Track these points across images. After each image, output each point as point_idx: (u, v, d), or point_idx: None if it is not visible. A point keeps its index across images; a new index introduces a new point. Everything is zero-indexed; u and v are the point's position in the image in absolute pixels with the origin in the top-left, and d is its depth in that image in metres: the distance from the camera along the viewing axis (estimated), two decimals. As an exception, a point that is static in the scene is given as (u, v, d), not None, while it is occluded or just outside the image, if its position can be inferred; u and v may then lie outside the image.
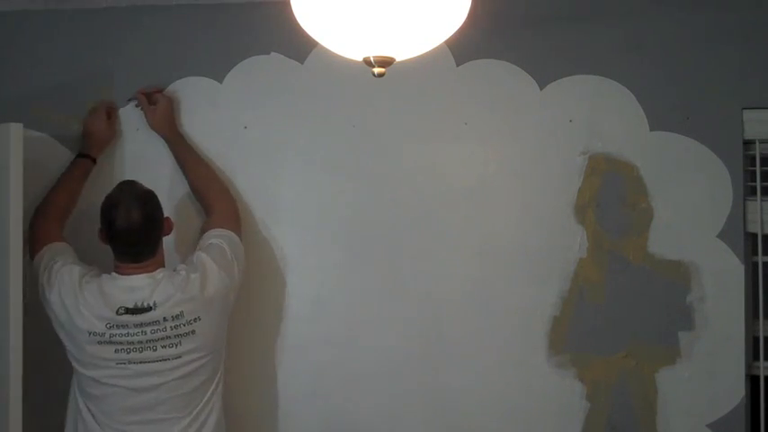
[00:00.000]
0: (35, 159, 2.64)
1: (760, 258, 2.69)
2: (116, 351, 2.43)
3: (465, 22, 1.89)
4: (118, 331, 2.42)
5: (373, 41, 1.83)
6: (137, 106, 2.81)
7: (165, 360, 2.45)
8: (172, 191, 2.80)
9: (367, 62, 1.86)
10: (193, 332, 2.46)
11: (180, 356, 2.46)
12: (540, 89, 2.72)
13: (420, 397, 2.74)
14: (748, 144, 2.67)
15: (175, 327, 2.44)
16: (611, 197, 2.68)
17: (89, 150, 2.76)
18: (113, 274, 2.51)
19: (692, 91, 2.66)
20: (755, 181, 2.69)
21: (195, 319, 2.47)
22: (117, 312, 2.42)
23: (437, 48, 1.95)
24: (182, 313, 2.45)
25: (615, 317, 2.67)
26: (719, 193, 2.64)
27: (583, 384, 2.68)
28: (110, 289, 2.46)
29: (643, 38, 2.68)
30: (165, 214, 2.61)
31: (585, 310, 2.68)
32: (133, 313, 2.43)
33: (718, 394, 2.62)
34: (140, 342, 2.43)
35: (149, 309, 2.43)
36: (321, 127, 2.79)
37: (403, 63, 1.90)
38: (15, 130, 2.43)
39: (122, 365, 2.43)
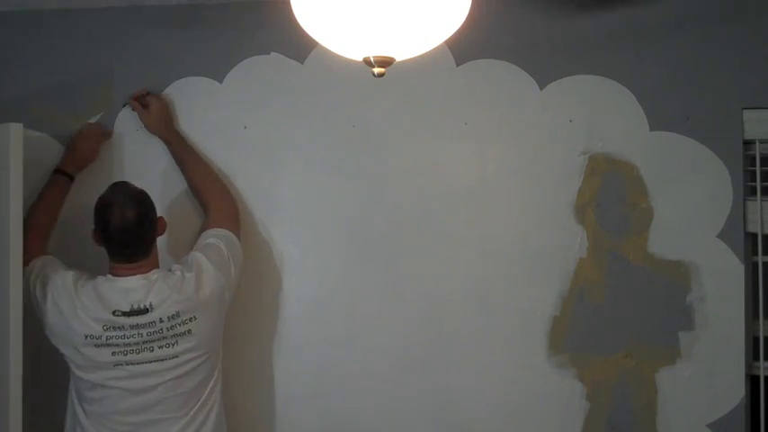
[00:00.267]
0: (35, 159, 2.65)
1: (760, 258, 2.69)
2: (113, 354, 2.42)
3: (465, 22, 1.89)
4: (114, 333, 2.42)
5: (373, 41, 1.83)
6: (134, 110, 2.80)
7: (162, 360, 2.44)
8: (171, 191, 2.80)
9: (367, 62, 1.86)
10: (189, 332, 2.46)
11: (177, 356, 2.45)
12: (540, 89, 2.72)
13: (420, 397, 2.74)
14: (748, 144, 2.67)
15: (171, 327, 2.44)
16: (611, 197, 2.68)
17: (68, 167, 2.73)
18: (108, 276, 2.50)
19: (692, 91, 2.66)
20: (755, 181, 2.69)
21: (191, 319, 2.46)
22: (114, 314, 2.42)
23: (437, 48, 1.94)
24: (177, 313, 2.45)
25: (615, 317, 2.67)
26: (719, 193, 2.64)
27: (583, 384, 2.68)
28: (105, 291, 2.46)
29: (643, 38, 2.68)
30: (165, 215, 2.61)
31: (585, 309, 2.68)
32: (129, 315, 2.42)
33: (718, 394, 2.63)
34: (137, 344, 2.42)
35: (146, 310, 2.43)
36: (321, 127, 2.79)
37: (403, 63, 1.90)
38: (15, 130, 2.43)
39: (120, 367, 2.43)
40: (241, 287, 2.70)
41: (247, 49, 2.81)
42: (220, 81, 2.82)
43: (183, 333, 2.46)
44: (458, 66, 2.74)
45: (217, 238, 2.61)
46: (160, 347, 2.44)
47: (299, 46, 2.70)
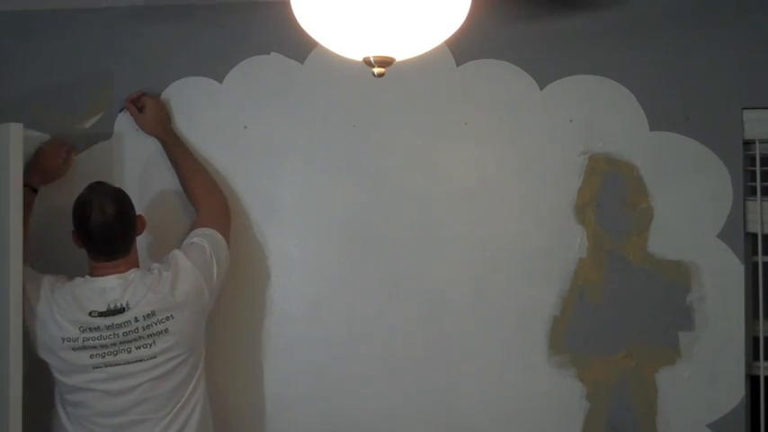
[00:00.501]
0: (35, 159, 2.65)
1: (760, 258, 2.69)
2: (91, 356, 2.41)
3: (465, 22, 1.89)
4: (91, 335, 2.40)
5: (373, 41, 1.83)
6: (131, 114, 2.80)
7: (141, 361, 2.42)
8: (170, 191, 2.80)
9: (367, 62, 1.86)
10: (166, 330, 2.44)
11: (155, 356, 2.44)
12: (540, 89, 2.72)
13: (420, 397, 2.74)
14: (748, 144, 2.67)
15: (147, 326, 2.42)
16: (611, 197, 2.68)
17: (32, 181, 2.66)
18: (87, 276, 2.49)
19: (692, 91, 2.66)
20: (755, 181, 2.69)
21: (167, 318, 2.44)
22: (90, 315, 2.41)
23: (437, 48, 1.95)
24: (153, 312, 2.43)
25: (615, 317, 2.67)
26: (719, 193, 2.64)
27: (583, 384, 2.68)
28: (82, 292, 2.45)
29: (643, 38, 2.68)
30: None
31: (585, 310, 2.68)
32: (105, 315, 2.41)
33: (718, 394, 2.63)
34: (113, 344, 2.40)
35: (122, 310, 2.41)
36: (321, 127, 2.79)
37: (403, 63, 1.90)
38: (15, 130, 2.43)
39: (99, 369, 2.41)
40: (241, 287, 2.70)
41: (247, 49, 2.81)
42: (220, 81, 2.82)
43: (160, 332, 2.43)
44: (458, 66, 2.74)
45: (201, 237, 2.59)
46: (138, 348, 2.42)
47: (299, 46, 2.69)
